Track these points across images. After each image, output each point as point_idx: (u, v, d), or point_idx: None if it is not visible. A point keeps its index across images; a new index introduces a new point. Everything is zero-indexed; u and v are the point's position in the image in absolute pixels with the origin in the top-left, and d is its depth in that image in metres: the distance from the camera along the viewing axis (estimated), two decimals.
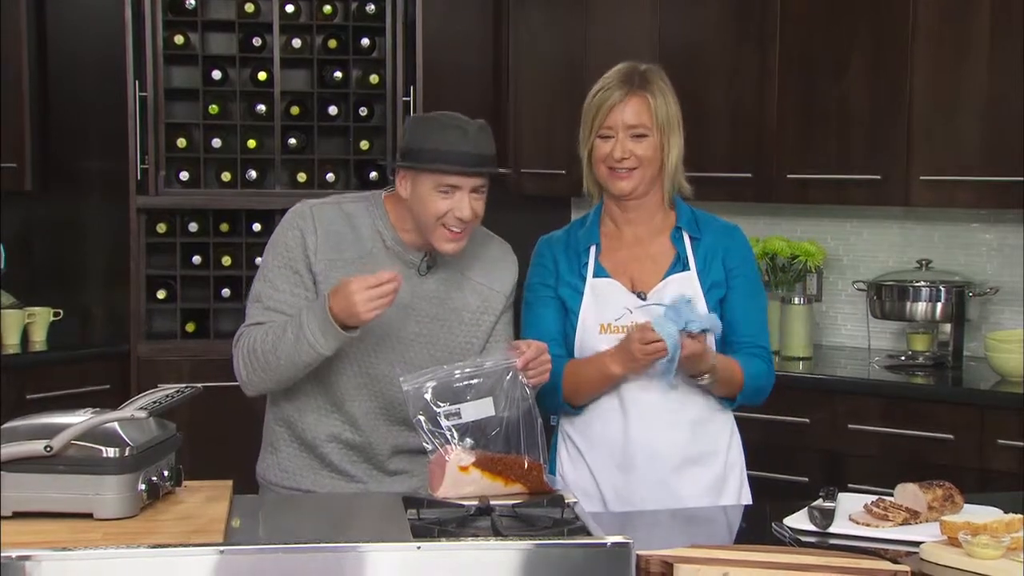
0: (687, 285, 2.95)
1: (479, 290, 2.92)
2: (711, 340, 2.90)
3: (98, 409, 2.37)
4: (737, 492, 3.04)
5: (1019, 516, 2.43)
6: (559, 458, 3.06)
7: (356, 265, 2.80)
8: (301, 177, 4.95)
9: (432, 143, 2.71)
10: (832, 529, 2.57)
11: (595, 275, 2.99)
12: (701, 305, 2.93)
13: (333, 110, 4.97)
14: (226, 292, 4.93)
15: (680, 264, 2.98)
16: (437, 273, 2.89)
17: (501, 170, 2.81)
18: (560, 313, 3.02)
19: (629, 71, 2.96)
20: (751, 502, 3.05)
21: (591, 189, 3.04)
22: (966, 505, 2.67)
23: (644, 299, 2.93)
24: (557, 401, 2.97)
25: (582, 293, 2.99)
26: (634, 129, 2.92)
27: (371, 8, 4.95)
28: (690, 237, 2.99)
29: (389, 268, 2.74)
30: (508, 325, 2.99)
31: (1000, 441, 4.03)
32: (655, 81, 2.95)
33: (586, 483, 3.00)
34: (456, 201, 2.73)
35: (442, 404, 2.62)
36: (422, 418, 2.61)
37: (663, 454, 2.95)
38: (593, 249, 3.02)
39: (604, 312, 2.96)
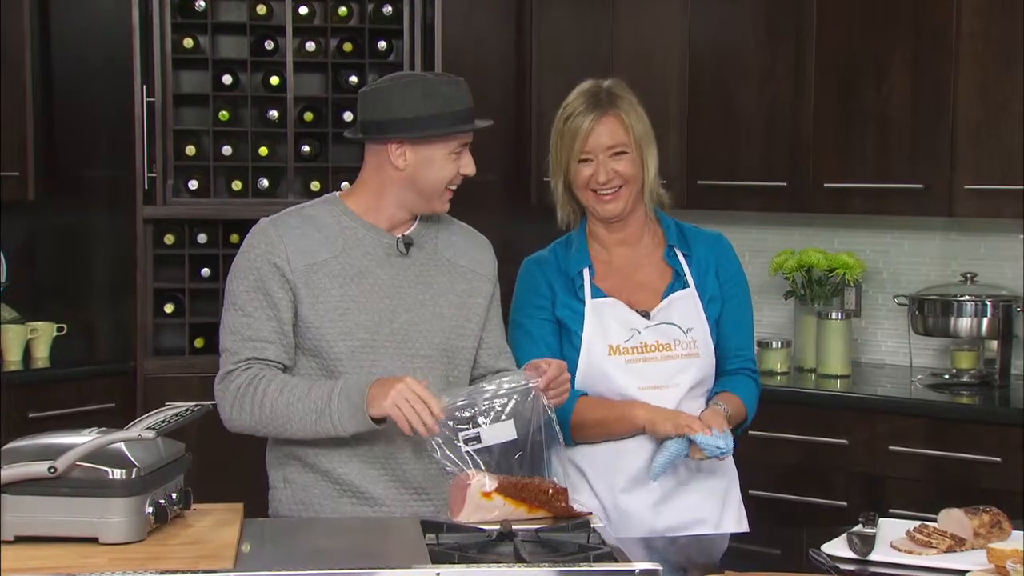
0: (688, 302, 2.98)
1: (463, 272, 2.88)
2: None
3: (104, 429, 2.37)
4: (737, 512, 3.05)
5: None
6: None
7: (334, 264, 2.74)
8: (315, 186, 4.89)
9: (436, 107, 2.70)
10: (872, 556, 2.52)
11: (594, 296, 2.98)
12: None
13: (348, 116, 4.93)
14: None
15: (680, 282, 3.01)
16: (418, 258, 2.83)
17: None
18: (558, 335, 2.99)
19: (594, 90, 2.98)
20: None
21: (568, 217, 3.05)
22: (1014, 532, 2.61)
23: (649, 318, 2.96)
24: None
25: (582, 314, 2.97)
26: (613, 148, 2.94)
27: (388, 9, 4.92)
28: (682, 253, 3.03)
29: (369, 258, 2.75)
30: (499, 316, 2.97)
31: None
32: (624, 96, 2.98)
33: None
34: (464, 158, 2.78)
35: (461, 427, 2.58)
36: (439, 441, 2.56)
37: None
38: (587, 272, 3.01)
39: (610, 334, 2.95)
